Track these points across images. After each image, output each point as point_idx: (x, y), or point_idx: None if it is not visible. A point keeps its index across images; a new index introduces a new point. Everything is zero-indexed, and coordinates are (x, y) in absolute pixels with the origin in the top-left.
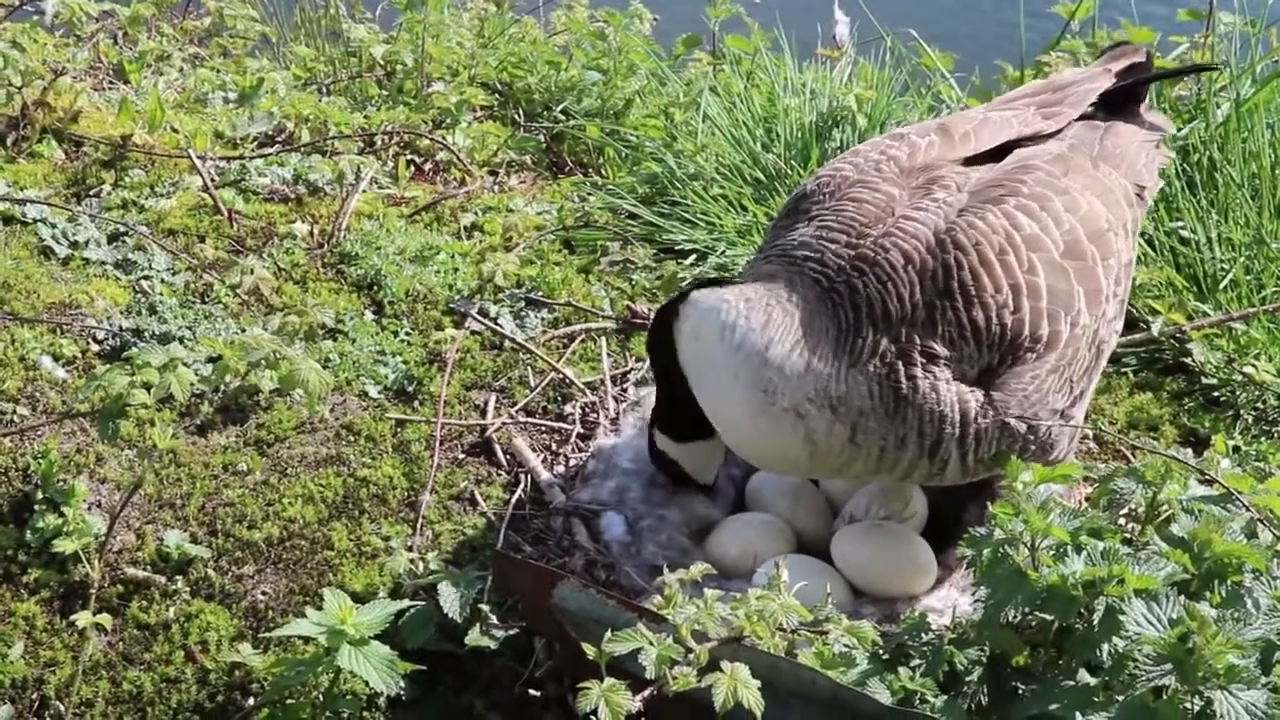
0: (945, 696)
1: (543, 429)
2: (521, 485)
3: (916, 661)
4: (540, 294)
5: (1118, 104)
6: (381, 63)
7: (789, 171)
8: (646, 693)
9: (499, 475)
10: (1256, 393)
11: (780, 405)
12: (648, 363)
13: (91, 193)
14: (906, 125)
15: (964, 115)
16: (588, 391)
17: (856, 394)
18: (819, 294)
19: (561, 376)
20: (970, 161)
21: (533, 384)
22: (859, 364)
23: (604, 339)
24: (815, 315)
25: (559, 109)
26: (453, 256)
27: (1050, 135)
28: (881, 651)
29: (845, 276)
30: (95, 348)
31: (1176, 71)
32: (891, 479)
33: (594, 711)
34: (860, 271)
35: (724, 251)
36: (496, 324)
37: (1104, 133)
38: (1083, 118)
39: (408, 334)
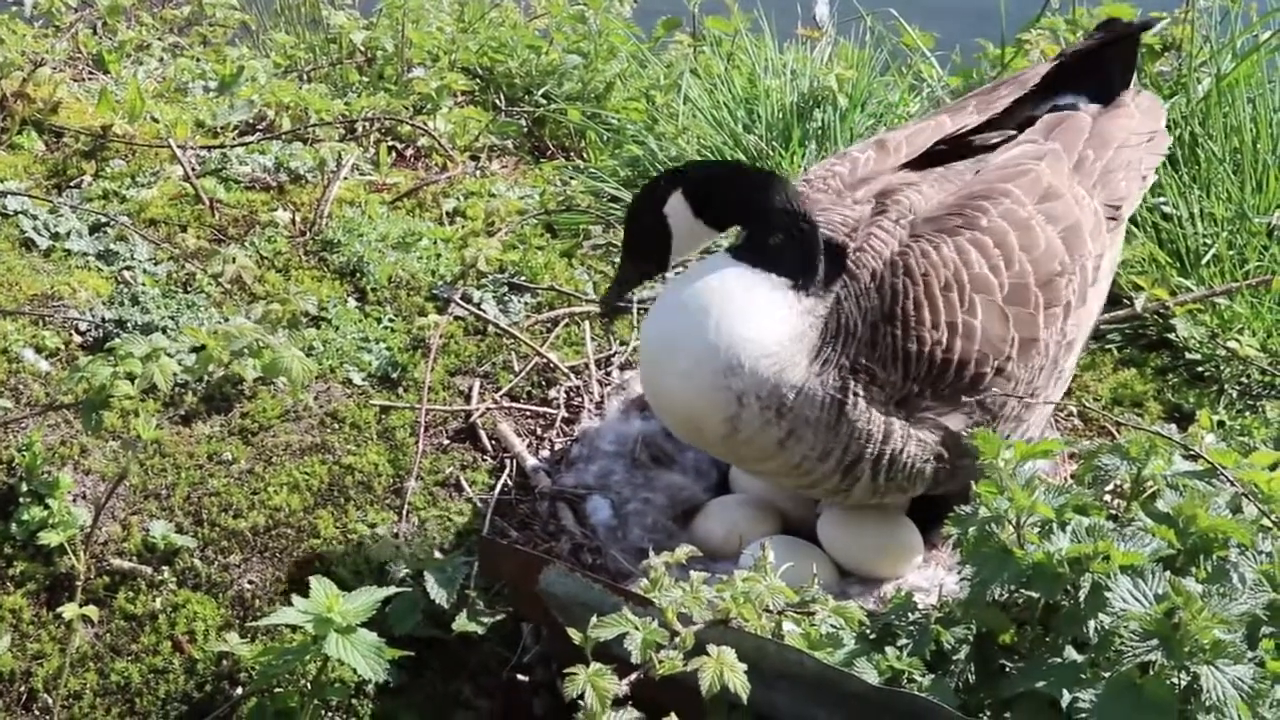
0: (932, 675)
1: (527, 414)
2: (507, 470)
3: (903, 641)
4: (523, 278)
5: (1102, 89)
6: (362, 49)
7: (770, 152)
8: (633, 676)
9: (484, 461)
10: (1240, 367)
11: (728, 384)
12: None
13: (72, 184)
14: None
15: (902, 128)
16: (572, 375)
17: (810, 405)
18: (832, 302)
19: (545, 361)
20: (910, 166)
21: (517, 369)
22: (821, 375)
23: (587, 323)
24: (814, 321)
25: (540, 93)
26: (435, 242)
27: (989, 124)
28: (868, 631)
29: (832, 287)
30: (78, 339)
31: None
32: (793, 485)
33: (580, 696)
34: (844, 284)
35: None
36: (480, 309)
37: (1087, 140)
38: (1055, 109)
39: (391, 320)
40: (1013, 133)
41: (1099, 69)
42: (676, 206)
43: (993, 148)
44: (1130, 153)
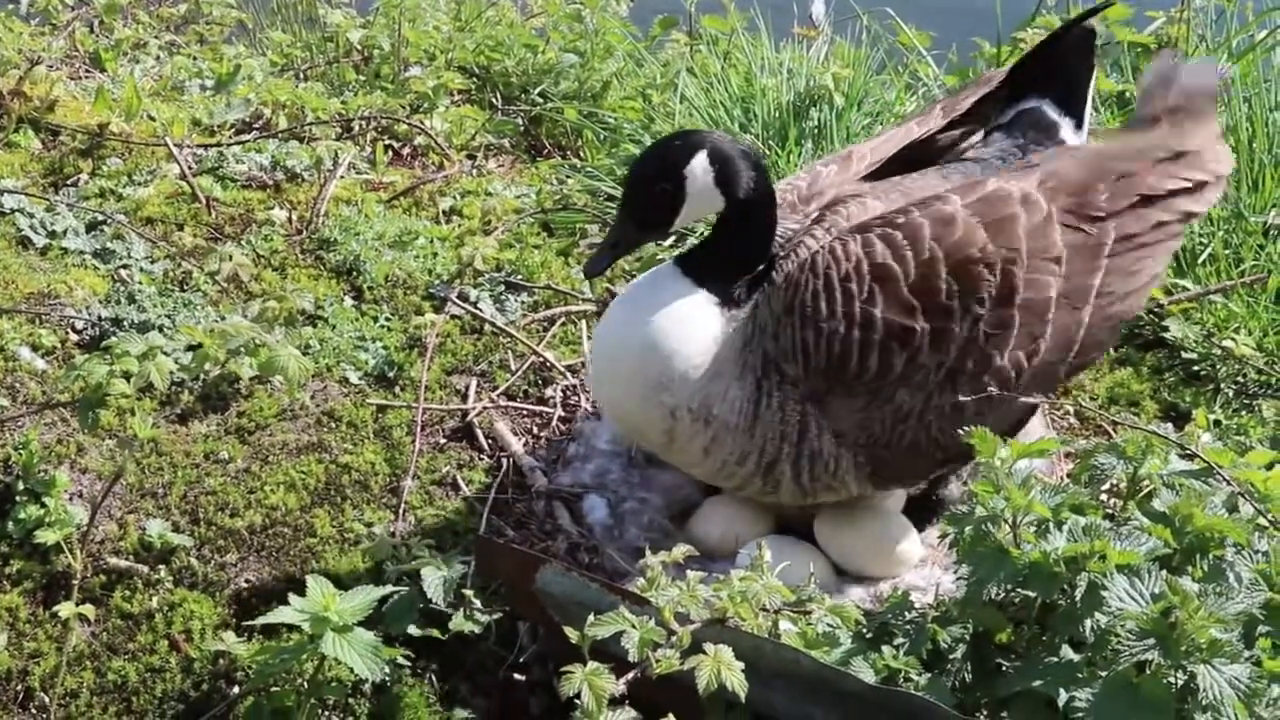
0: (929, 674)
1: (524, 413)
2: (503, 469)
3: (900, 640)
4: (520, 277)
5: (1068, 90)
6: (358, 47)
7: (767, 151)
8: (630, 675)
9: (481, 460)
10: (1236, 366)
11: (661, 399)
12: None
13: (69, 182)
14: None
15: (871, 139)
16: (568, 374)
17: (730, 411)
18: (750, 308)
19: (542, 360)
20: (872, 176)
21: (513, 368)
22: (740, 380)
23: (584, 321)
24: (738, 328)
25: (536, 92)
26: (432, 241)
27: (952, 126)
28: (865, 630)
29: (755, 297)
30: (74, 337)
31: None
32: (728, 487)
33: (577, 695)
34: (762, 290)
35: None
36: (476, 308)
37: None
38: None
39: (388, 319)
40: (975, 130)
41: (1059, 68)
42: (698, 169)
43: (953, 147)
44: (1128, 165)
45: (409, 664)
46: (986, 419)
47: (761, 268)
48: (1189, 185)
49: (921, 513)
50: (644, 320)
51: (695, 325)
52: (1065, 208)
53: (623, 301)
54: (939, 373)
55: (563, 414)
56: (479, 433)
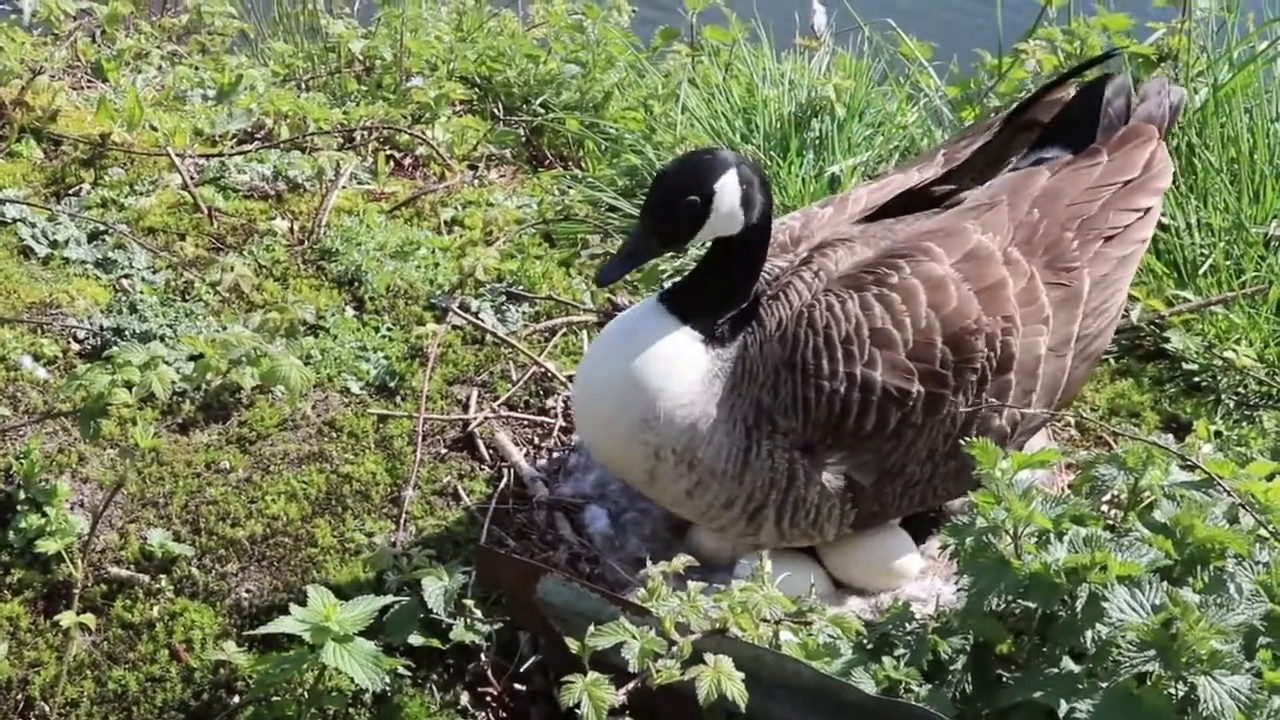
0: (930, 685)
1: (525, 423)
2: (504, 479)
3: (900, 651)
4: (521, 288)
5: (1087, 137)
6: (360, 58)
7: (769, 162)
8: (630, 686)
9: (482, 470)
10: (1237, 378)
11: (645, 439)
12: None
13: (71, 192)
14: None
15: (867, 183)
16: (570, 385)
17: (717, 458)
18: (738, 350)
19: (543, 370)
20: (866, 221)
21: (515, 378)
22: (730, 428)
23: (585, 332)
24: (724, 368)
25: (538, 102)
26: (433, 251)
27: (950, 175)
28: (865, 641)
29: (739, 334)
30: (76, 347)
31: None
32: (710, 527)
33: (577, 705)
34: (750, 330)
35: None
36: (478, 318)
37: (1035, 199)
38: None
39: (389, 330)
40: (970, 187)
41: (1076, 120)
42: (729, 186)
43: (948, 198)
44: (1086, 208)
45: (409, 674)
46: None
47: (745, 305)
48: (1140, 214)
49: (922, 524)
50: (627, 357)
51: (680, 363)
52: (1044, 264)
53: (605, 339)
54: (946, 443)
55: (564, 424)
56: (480, 443)
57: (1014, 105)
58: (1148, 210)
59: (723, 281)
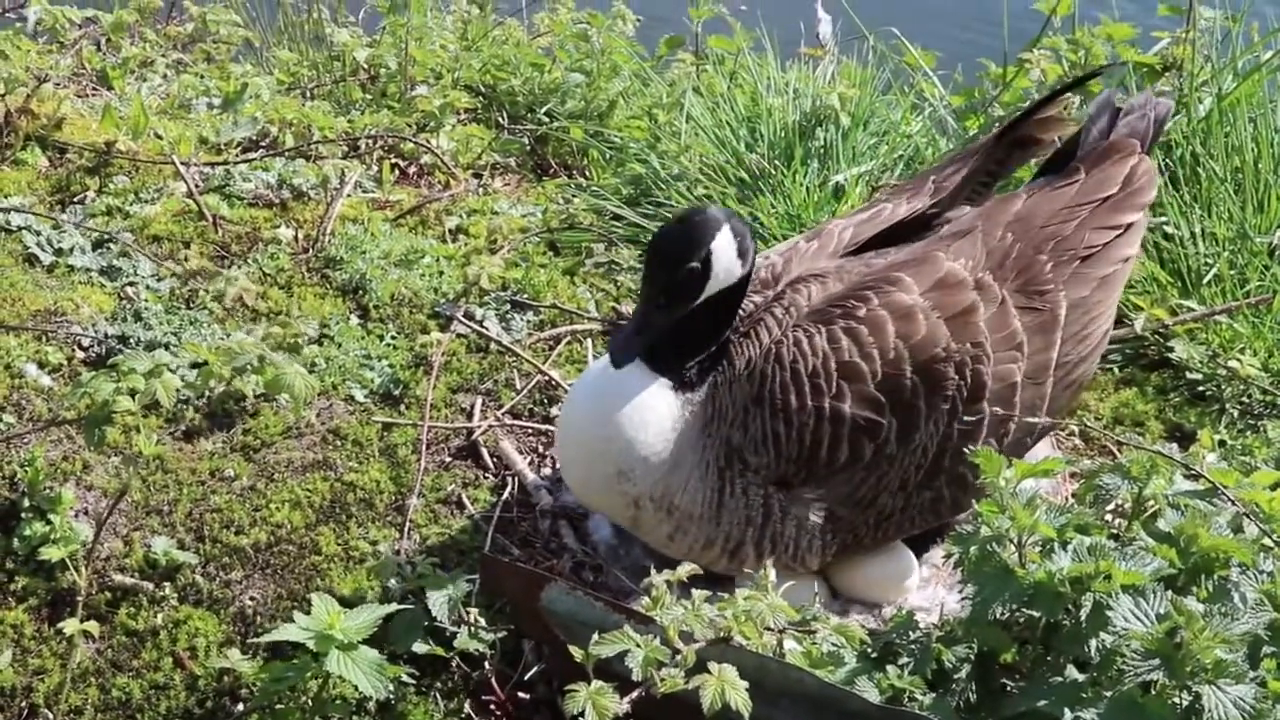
0: (933, 694)
1: (529, 431)
2: (509, 488)
3: (905, 659)
4: (525, 296)
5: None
6: (365, 66)
7: (773, 171)
8: (634, 694)
9: (486, 478)
10: (1241, 387)
11: (624, 490)
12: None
13: (76, 200)
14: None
15: (853, 214)
16: None
17: (694, 503)
18: (708, 390)
19: (548, 379)
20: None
21: (519, 386)
22: (702, 471)
23: (590, 340)
24: (695, 411)
25: (543, 111)
26: (438, 260)
27: (937, 205)
28: (869, 650)
29: (712, 378)
30: (80, 355)
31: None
32: (697, 564)
33: (581, 714)
34: (720, 370)
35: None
36: (482, 327)
37: (1009, 223)
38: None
39: (393, 338)
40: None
41: (1067, 147)
42: (723, 244)
43: (929, 227)
44: (1060, 228)
45: (413, 682)
46: (963, 503)
47: (714, 347)
48: (1120, 230)
49: (924, 534)
50: (602, 409)
51: (652, 413)
52: (1016, 288)
53: (582, 388)
54: (918, 474)
55: None
56: (484, 451)
57: (1005, 123)
58: (1129, 226)
59: (694, 328)
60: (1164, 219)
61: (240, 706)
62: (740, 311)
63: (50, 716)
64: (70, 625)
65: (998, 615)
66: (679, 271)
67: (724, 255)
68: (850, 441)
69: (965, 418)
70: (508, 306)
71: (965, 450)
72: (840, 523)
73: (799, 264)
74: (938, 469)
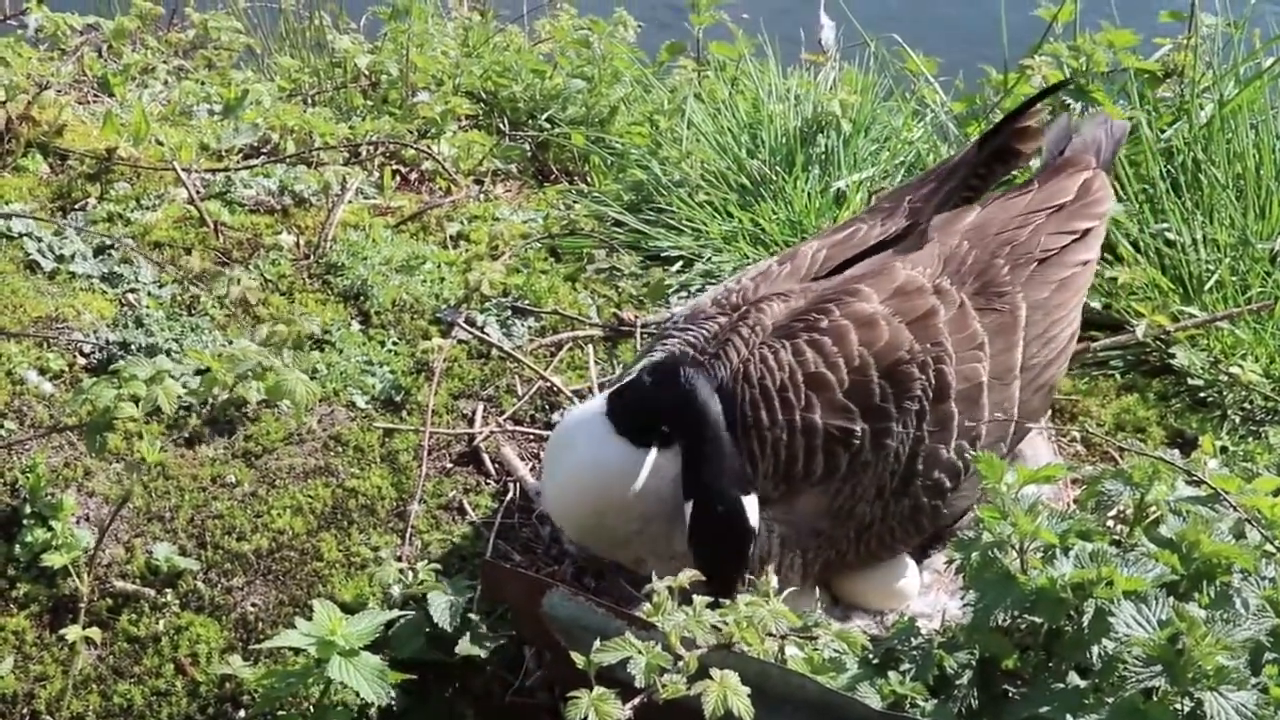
0: (935, 700)
1: (531, 437)
2: (510, 494)
3: (906, 665)
4: (527, 302)
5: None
6: (366, 73)
7: (774, 177)
8: (636, 701)
9: (487, 484)
10: (1243, 393)
11: (623, 554)
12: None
13: (77, 206)
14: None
15: (831, 234)
16: (575, 399)
17: (684, 541)
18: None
19: (549, 385)
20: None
21: (520, 392)
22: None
23: (591, 346)
24: (671, 455)
25: (544, 117)
26: (439, 266)
27: (911, 228)
28: (871, 656)
29: None
30: (82, 361)
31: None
32: None
33: None
34: None
35: (710, 258)
36: (483, 333)
37: (965, 232)
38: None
39: (395, 344)
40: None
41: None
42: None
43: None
44: (1016, 234)
45: (415, 688)
46: (943, 512)
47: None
48: (1076, 235)
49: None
50: (590, 490)
51: (630, 473)
52: (974, 291)
53: (557, 461)
54: (893, 480)
55: None
56: (486, 457)
57: (980, 136)
58: (1086, 232)
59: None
60: (1165, 225)
61: (242, 713)
62: (706, 332)
63: None
64: (72, 632)
65: (999, 621)
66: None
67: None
68: (825, 452)
69: (933, 418)
70: (509, 312)
71: (938, 452)
72: (820, 538)
73: (768, 287)
74: (912, 473)
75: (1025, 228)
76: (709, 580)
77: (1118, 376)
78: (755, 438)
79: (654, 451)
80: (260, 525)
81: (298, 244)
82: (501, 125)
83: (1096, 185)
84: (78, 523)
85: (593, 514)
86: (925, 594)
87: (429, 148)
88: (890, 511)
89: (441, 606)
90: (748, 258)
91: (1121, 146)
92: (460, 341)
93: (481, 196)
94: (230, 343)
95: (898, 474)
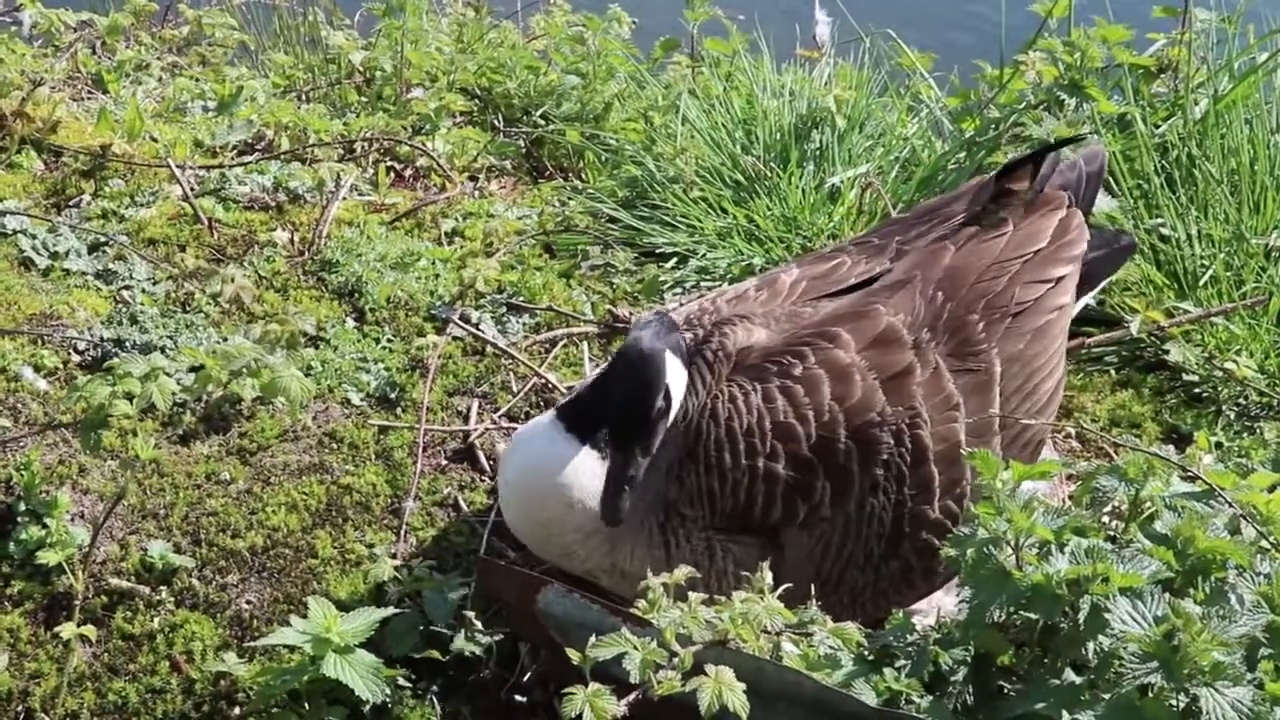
0: (931, 697)
1: None
2: None
3: (901, 662)
4: (521, 299)
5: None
6: (360, 69)
7: (769, 173)
8: (631, 697)
9: (482, 481)
10: (1238, 389)
11: (573, 566)
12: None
13: (71, 203)
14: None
15: (813, 262)
16: (569, 396)
17: (641, 565)
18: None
19: (544, 381)
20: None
21: (515, 389)
22: (645, 535)
23: (586, 343)
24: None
25: (538, 113)
26: (434, 263)
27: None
28: (866, 653)
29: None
30: (76, 358)
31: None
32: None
33: (579, 717)
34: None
35: (704, 254)
36: (478, 329)
37: (939, 279)
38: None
39: (389, 341)
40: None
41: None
42: (674, 370)
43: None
44: (991, 285)
45: (410, 685)
46: (936, 571)
47: None
48: (1051, 284)
49: None
50: (533, 495)
51: (586, 489)
52: (949, 351)
53: (512, 473)
54: (881, 544)
55: None
56: (480, 454)
57: (978, 188)
58: (1060, 279)
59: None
60: (1160, 220)
61: (237, 710)
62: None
63: None
64: (67, 629)
65: (995, 618)
66: (650, 419)
67: (677, 380)
68: (784, 499)
69: (913, 481)
70: (504, 309)
71: (924, 513)
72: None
73: (744, 310)
74: (899, 535)
75: (1001, 278)
76: (612, 436)
77: (1112, 372)
78: (716, 477)
79: (586, 449)
80: (255, 522)
81: (292, 241)
82: (496, 122)
83: (1074, 225)
84: (72, 520)
85: (529, 519)
86: None
87: (423, 144)
88: (882, 574)
89: (436, 604)
90: (742, 254)
91: (1101, 178)
92: (455, 338)
93: (476, 193)
94: (225, 340)
95: (884, 537)
